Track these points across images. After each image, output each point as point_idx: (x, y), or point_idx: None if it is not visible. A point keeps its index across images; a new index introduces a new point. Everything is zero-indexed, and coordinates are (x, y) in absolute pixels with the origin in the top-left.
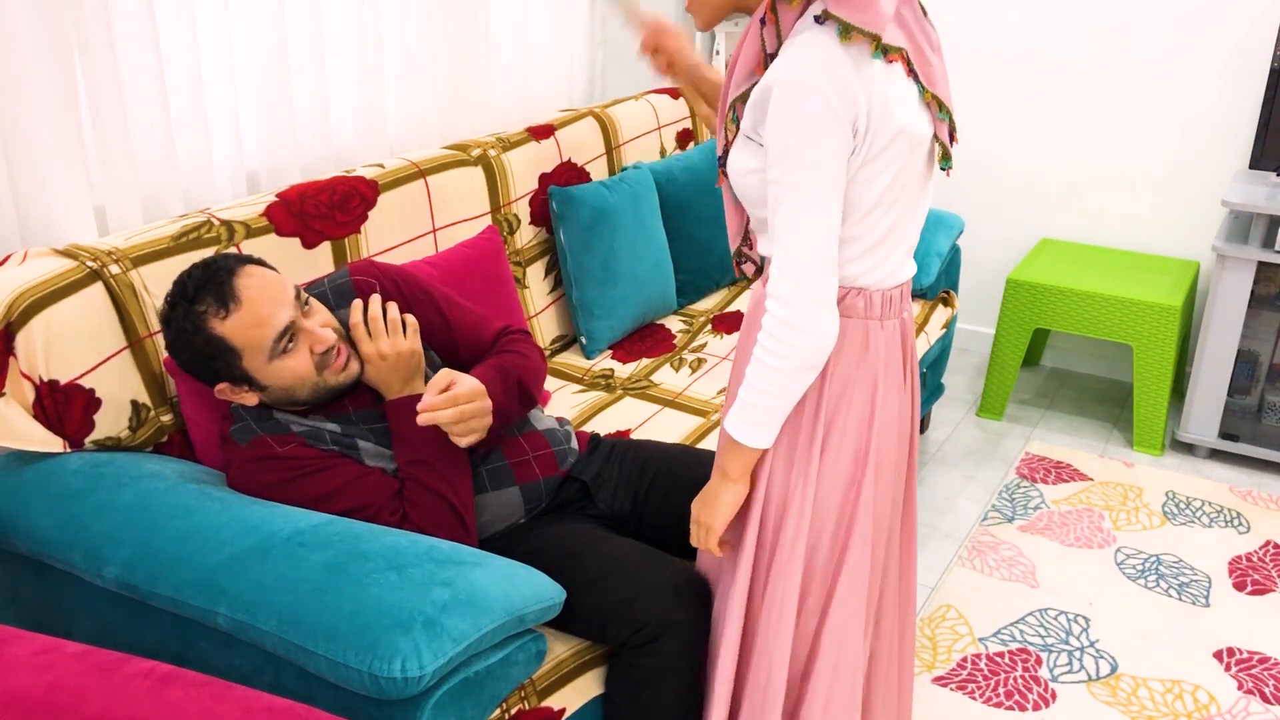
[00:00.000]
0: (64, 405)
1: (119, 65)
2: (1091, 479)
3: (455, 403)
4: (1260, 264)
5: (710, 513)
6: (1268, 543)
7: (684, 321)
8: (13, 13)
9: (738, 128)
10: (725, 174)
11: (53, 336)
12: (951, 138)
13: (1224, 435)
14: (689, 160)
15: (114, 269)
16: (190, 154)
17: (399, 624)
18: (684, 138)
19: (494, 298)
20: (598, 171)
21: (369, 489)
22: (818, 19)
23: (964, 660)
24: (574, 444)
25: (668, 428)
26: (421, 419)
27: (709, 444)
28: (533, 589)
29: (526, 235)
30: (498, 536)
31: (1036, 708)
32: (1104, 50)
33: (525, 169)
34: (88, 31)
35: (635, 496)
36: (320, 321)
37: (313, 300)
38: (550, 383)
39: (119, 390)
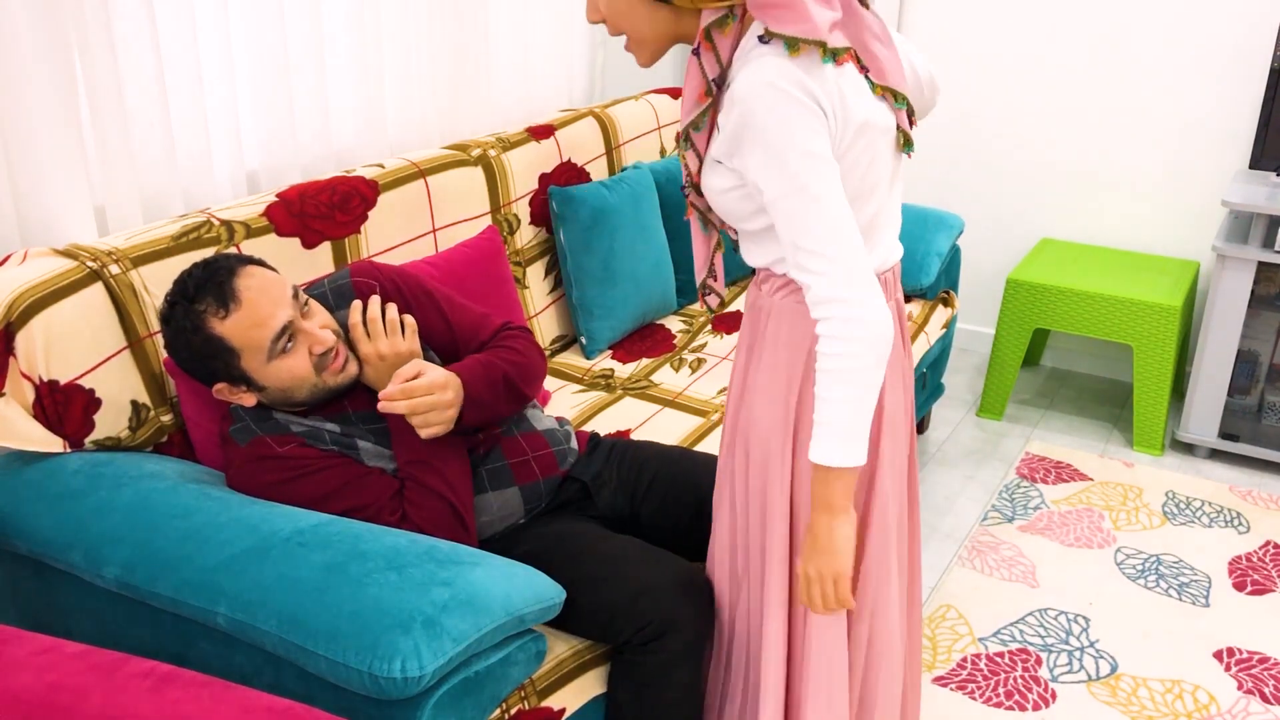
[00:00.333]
0: (64, 405)
1: (119, 65)
2: (1091, 479)
3: (409, 394)
4: (1260, 264)
5: (832, 559)
6: (1268, 543)
7: (684, 321)
8: (13, 13)
9: (698, 158)
10: (693, 205)
11: (53, 336)
12: (911, 122)
13: (1224, 435)
14: None
15: (114, 269)
16: (190, 154)
17: (399, 624)
18: None
19: (494, 298)
20: (598, 171)
21: (368, 489)
22: (762, 39)
23: (964, 660)
24: (574, 444)
25: (668, 428)
26: (380, 407)
27: (709, 444)
28: (532, 589)
29: (526, 235)
30: (498, 536)
31: (1036, 708)
32: (1104, 51)
33: (525, 169)
34: (88, 31)
35: (634, 497)
36: (319, 323)
37: (311, 301)
38: (550, 383)
39: (119, 390)
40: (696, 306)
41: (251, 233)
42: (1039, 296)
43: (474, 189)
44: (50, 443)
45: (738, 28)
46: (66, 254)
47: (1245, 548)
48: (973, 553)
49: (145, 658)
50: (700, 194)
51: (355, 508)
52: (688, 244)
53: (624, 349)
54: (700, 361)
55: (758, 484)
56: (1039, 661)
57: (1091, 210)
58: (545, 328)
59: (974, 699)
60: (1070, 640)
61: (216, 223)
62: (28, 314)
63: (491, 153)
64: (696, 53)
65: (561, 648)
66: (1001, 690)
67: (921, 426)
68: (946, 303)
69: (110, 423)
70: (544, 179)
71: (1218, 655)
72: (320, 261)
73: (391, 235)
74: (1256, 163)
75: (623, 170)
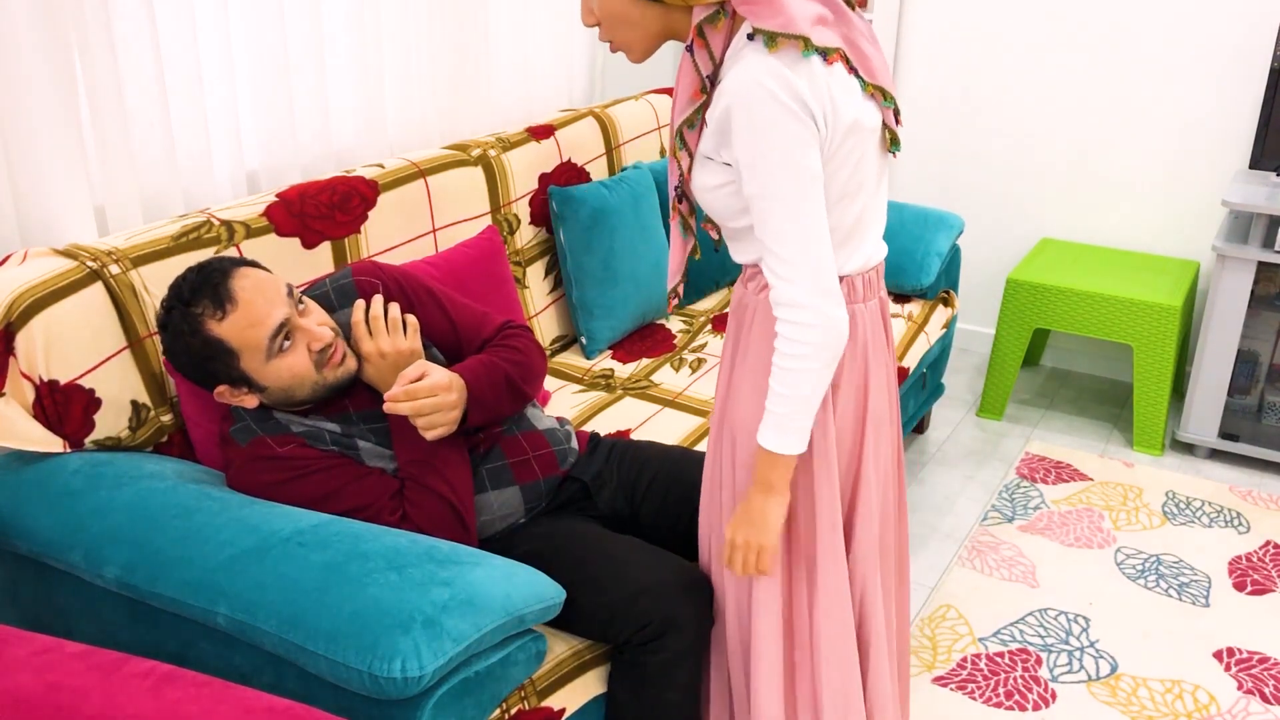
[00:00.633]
0: (64, 405)
1: (119, 65)
2: (1091, 479)
3: (412, 395)
4: (1260, 264)
5: (760, 531)
6: (1268, 543)
7: (684, 321)
8: (13, 13)
9: (689, 156)
10: (679, 209)
11: (53, 336)
12: (897, 121)
13: (1224, 435)
14: None
15: (114, 269)
16: (190, 154)
17: (399, 624)
18: None
19: (494, 298)
20: (598, 171)
21: (369, 489)
22: (750, 36)
23: (964, 660)
24: (574, 444)
25: (668, 428)
26: (386, 408)
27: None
28: (532, 589)
29: (526, 235)
30: (498, 536)
31: (1036, 708)
32: (1104, 51)
33: (525, 169)
34: (88, 31)
35: (634, 497)
36: (316, 320)
37: (307, 299)
38: (550, 383)
39: (119, 390)
40: (697, 306)
41: (251, 233)
42: (1039, 296)
43: (474, 189)
44: (50, 443)
45: (729, 24)
46: (66, 254)
47: (1245, 548)
48: (973, 553)
49: (145, 658)
50: (683, 198)
51: (355, 508)
52: None
53: (624, 349)
54: (700, 361)
55: (744, 477)
56: (1039, 661)
57: (1091, 210)
58: (545, 328)
59: (974, 699)
60: (1070, 640)
61: (216, 223)
62: (28, 314)
63: (491, 153)
64: (690, 50)
65: (561, 648)
66: (1001, 690)
67: (921, 426)
68: (946, 303)
69: (110, 423)
70: (544, 179)
71: (1218, 655)
72: (320, 261)
73: (391, 235)
74: (1256, 163)
75: (623, 170)
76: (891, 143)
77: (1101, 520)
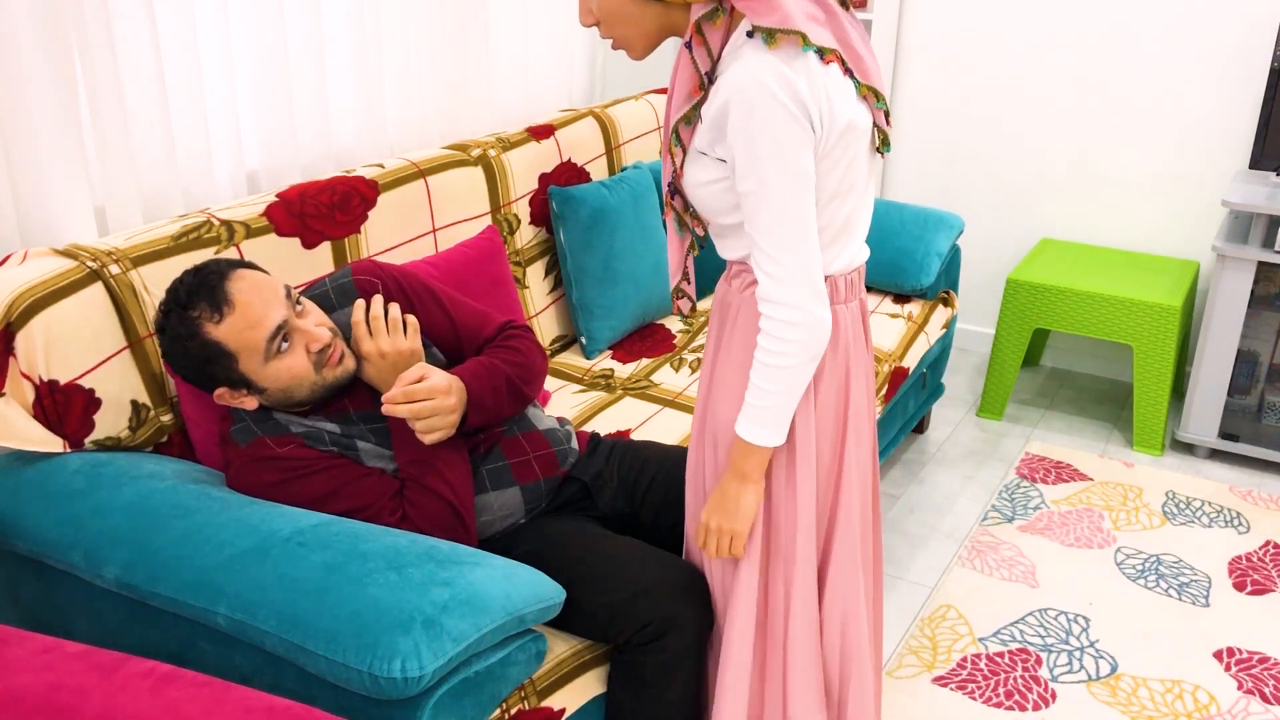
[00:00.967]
0: (64, 405)
1: (119, 65)
2: (1091, 479)
3: (410, 397)
4: (1260, 264)
5: (733, 517)
6: (1268, 543)
7: (684, 321)
8: (13, 13)
9: (684, 151)
10: (672, 205)
11: (53, 336)
12: (887, 122)
13: (1224, 435)
14: None
15: (114, 269)
16: (190, 154)
17: (399, 624)
18: None
19: (494, 298)
20: (598, 171)
21: (368, 489)
22: (749, 34)
23: (964, 660)
24: (574, 444)
25: (668, 428)
26: (384, 410)
27: None
28: (532, 589)
29: (526, 235)
30: (498, 536)
31: (1036, 708)
32: (1104, 51)
33: (525, 169)
34: (88, 31)
35: (635, 497)
36: (314, 320)
37: (305, 300)
38: (550, 383)
39: (119, 390)
40: (696, 306)
41: (251, 233)
42: (1039, 296)
43: (474, 189)
44: (50, 443)
45: (727, 21)
46: (66, 254)
47: (1245, 548)
48: (973, 553)
49: (145, 658)
50: (676, 194)
51: (355, 508)
52: None
53: (624, 349)
54: (700, 362)
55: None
56: (1039, 661)
57: (1091, 210)
58: (545, 328)
59: (974, 699)
60: (1070, 640)
61: (216, 223)
62: (28, 314)
63: (491, 153)
64: (688, 46)
65: (561, 648)
66: (1001, 690)
67: (921, 426)
68: (946, 303)
69: (110, 423)
70: (544, 179)
71: (1218, 655)
72: (320, 261)
73: (391, 235)
74: (1256, 163)
75: (623, 170)
76: (882, 143)
77: (1101, 520)
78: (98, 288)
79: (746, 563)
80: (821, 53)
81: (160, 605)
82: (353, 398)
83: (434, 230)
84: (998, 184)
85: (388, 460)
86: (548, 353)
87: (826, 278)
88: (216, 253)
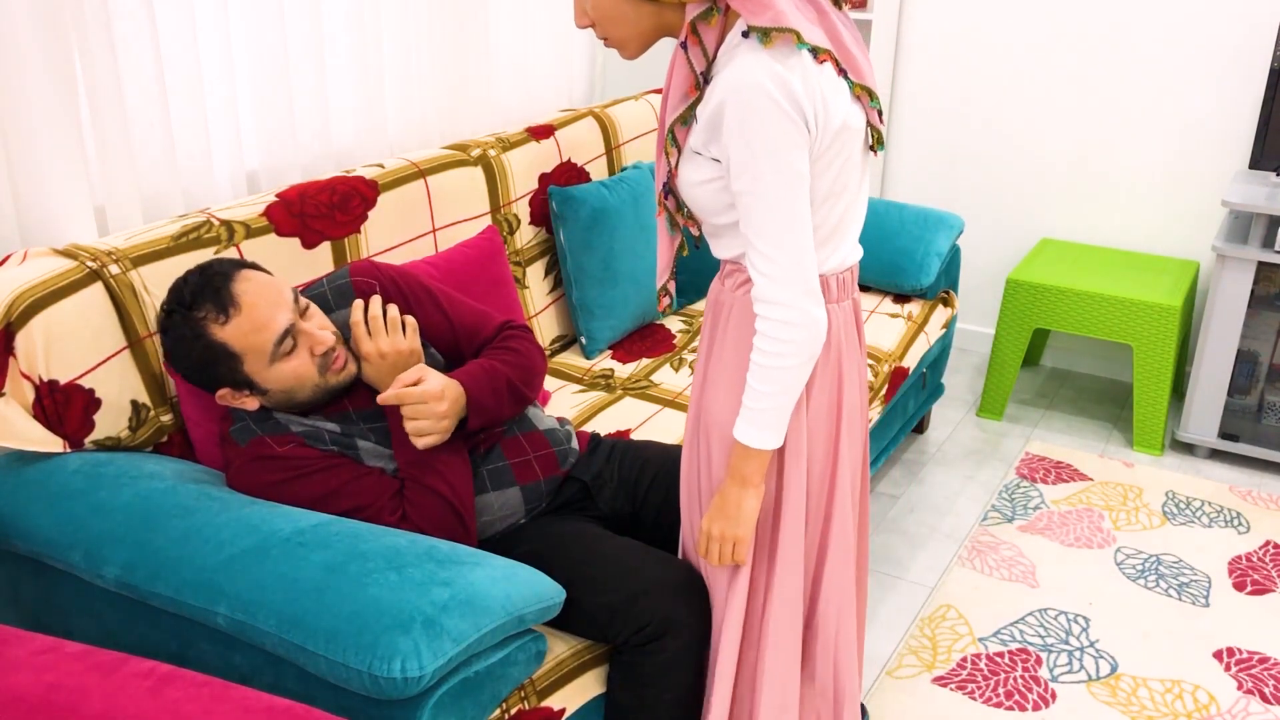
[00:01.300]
0: (64, 405)
1: (119, 65)
2: (1091, 479)
3: (401, 400)
4: (1260, 264)
5: (735, 523)
6: (1268, 543)
7: (684, 321)
8: (13, 13)
9: (679, 151)
10: (664, 205)
11: (53, 336)
12: (880, 119)
13: (1224, 435)
14: None
15: (114, 269)
16: (190, 154)
17: (398, 624)
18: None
19: (494, 298)
20: (597, 171)
21: (368, 489)
22: (744, 33)
23: (964, 660)
24: (574, 444)
25: (668, 428)
26: (380, 400)
27: None
28: (532, 589)
29: (526, 235)
30: (498, 536)
31: (1036, 708)
32: (1104, 51)
33: (525, 169)
34: (88, 31)
35: (635, 497)
36: (318, 324)
37: (310, 303)
38: (550, 383)
39: (119, 390)
40: (697, 306)
41: (251, 233)
42: (1039, 296)
43: (474, 189)
44: (50, 443)
45: (722, 21)
46: (66, 254)
47: (1245, 548)
48: (973, 553)
49: (145, 658)
50: (669, 194)
51: (355, 508)
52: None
53: (624, 349)
54: None
55: (720, 470)
56: (1039, 661)
57: (1091, 210)
58: (545, 328)
59: (974, 699)
60: (1070, 640)
61: (216, 223)
62: (28, 314)
63: (491, 153)
64: (684, 47)
65: (561, 648)
66: (1001, 690)
67: (921, 426)
68: (946, 303)
69: (110, 423)
70: (544, 179)
71: (1218, 655)
72: (320, 261)
73: (391, 235)
74: (1256, 163)
75: (622, 170)
76: (876, 142)
77: (1101, 520)
78: (98, 288)
79: (739, 568)
80: (815, 52)
81: (160, 605)
82: (352, 397)
83: (434, 230)
84: (998, 184)
85: (388, 460)
86: (548, 352)
87: (819, 277)
88: (216, 253)
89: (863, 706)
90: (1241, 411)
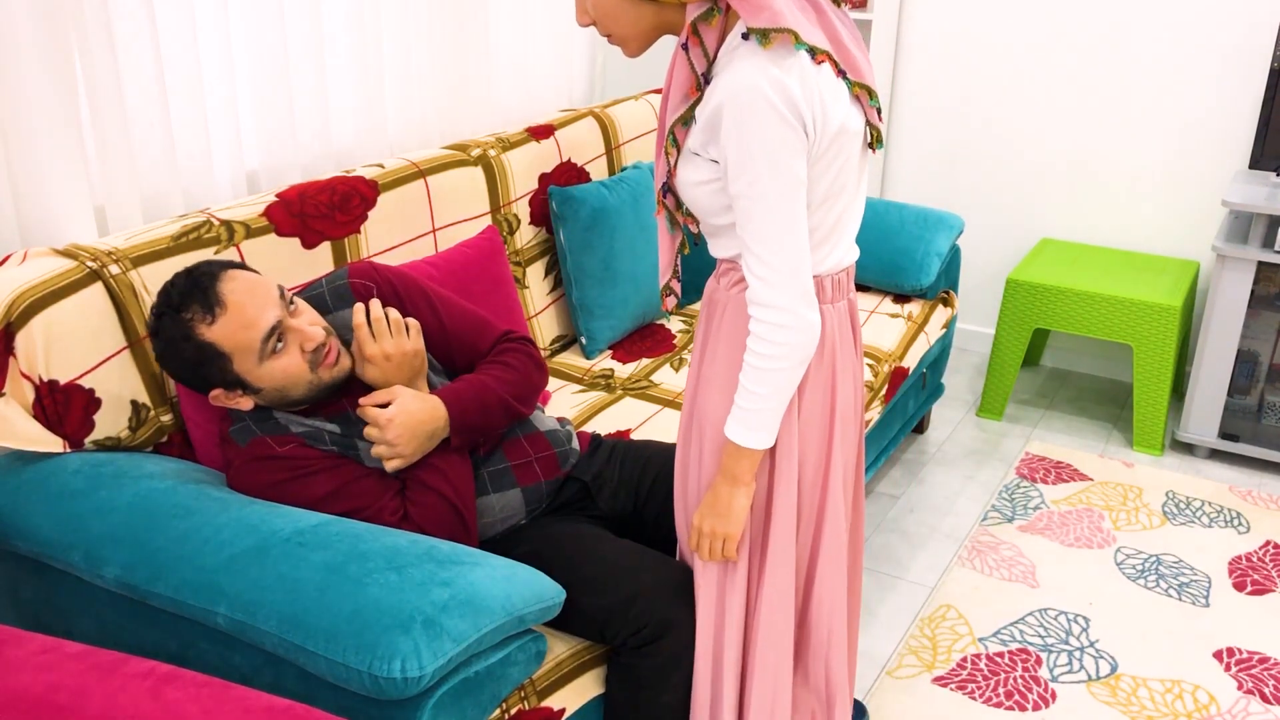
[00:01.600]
0: (64, 405)
1: (119, 65)
2: (1091, 479)
3: (363, 417)
4: (1260, 264)
5: (725, 520)
6: (1268, 543)
7: (684, 321)
8: (13, 13)
9: (678, 151)
10: (664, 203)
11: (53, 336)
12: (879, 117)
13: (1224, 435)
14: None
15: (114, 269)
16: (190, 154)
17: (399, 624)
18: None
19: (494, 298)
20: (598, 171)
21: (368, 490)
22: (744, 35)
23: (964, 660)
24: (575, 445)
25: (668, 428)
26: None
27: None
28: (532, 589)
29: (526, 235)
30: (498, 537)
31: (1036, 708)
32: (1104, 51)
33: (525, 169)
34: (88, 31)
35: (636, 497)
36: (308, 320)
37: (298, 300)
38: (550, 383)
39: (119, 390)
40: (697, 306)
41: (251, 233)
42: (1039, 296)
43: (474, 189)
44: (50, 443)
45: (723, 21)
46: (66, 254)
47: (1245, 548)
48: (973, 553)
49: (145, 658)
50: (669, 193)
51: (355, 509)
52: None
53: (624, 349)
54: None
55: (711, 467)
56: (1039, 661)
57: (1091, 210)
58: (545, 328)
59: (974, 699)
60: (1070, 640)
61: (216, 223)
62: (28, 314)
63: (491, 153)
64: (685, 47)
65: (561, 648)
66: (1001, 690)
67: (921, 426)
68: (946, 303)
69: (110, 423)
70: (544, 179)
71: (1218, 655)
72: (320, 261)
73: (391, 235)
74: (1256, 163)
75: (623, 170)
76: (875, 140)
77: (1101, 520)
78: (98, 288)
79: (731, 567)
80: (813, 52)
81: (160, 605)
82: (352, 398)
83: (434, 230)
84: (998, 184)
85: None
86: (547, 353)
87: (814, 278)
88: (216, 253)
89: (863, 706)
90: (1241, 411)
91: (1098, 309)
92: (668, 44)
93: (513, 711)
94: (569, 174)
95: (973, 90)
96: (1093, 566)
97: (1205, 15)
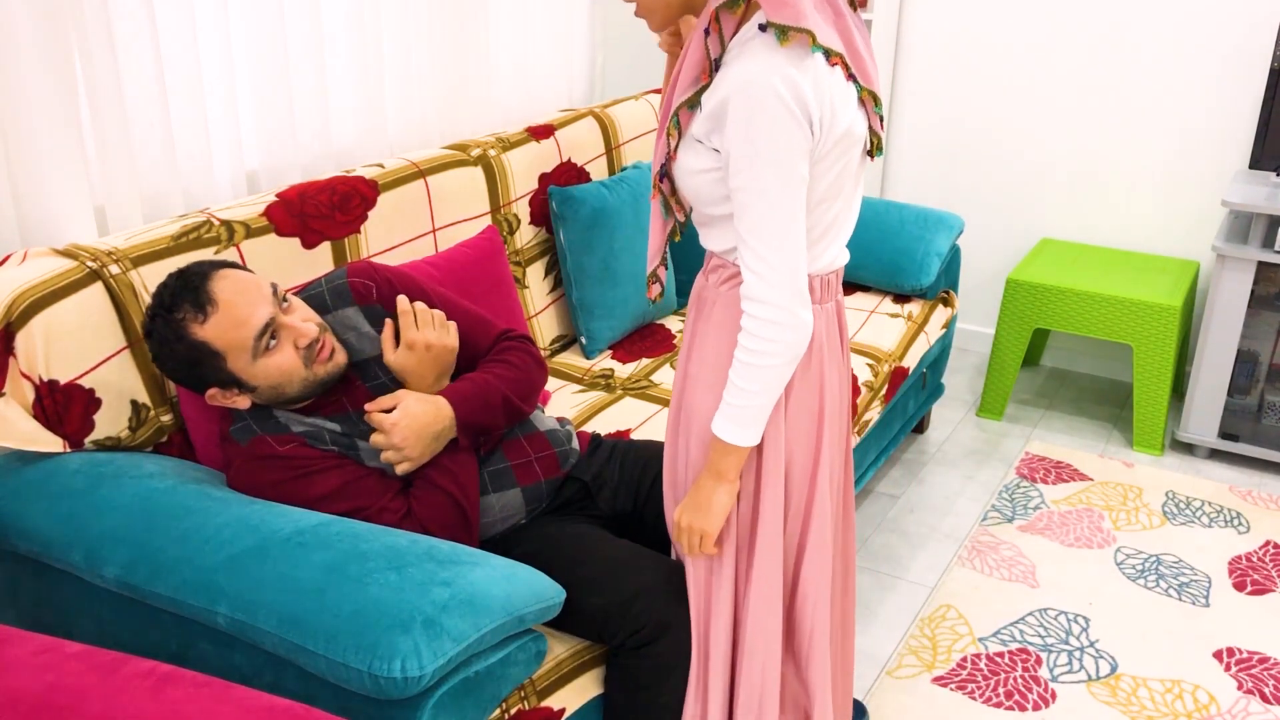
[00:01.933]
0: (64, 405)
1: (119, 65)
2: (1091, 479)
3: (369, 421)
4: (1260, 264)
5: (705, 516)
6: (1268, 543)
7: (683, 321)
8: (13, 13)
9: (679, 134)
10: (660, 188)
11: (53, 336)
12: (881, 125)
13: (1224, 435)
14: None
15: (114, 269)
16: (190, 154)
17: (399, 624)
18: None
19: (494, 298)
20: (597, 171)
21: (369, 489)
22: (762, 27)
23: (964, 660)
24: (575, 444)
25: None
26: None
27: None
28: (532, 589)
29: (526, 235)
30: (498, 537)
31: (1036, 708)
32: (1104, 51)
33: (525, 169)
34: (88, 31)
35: (636, 497)
36: (301, 316)
37: (292, 297)
38: (550, 383)
39: (119, 390)
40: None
41: (251, 233)
42: (1039, 296)
43: (474, 189)
44: (50, 443)
45: (744, 11)
46: (66, 254)
47: (1245, 548)
48: (973, 553)
49: (145, 658)
50: (665, 177)
51: (356, 508)
52: (687, 244)
53: (624, 349)
54: None
55: (698, 463)
56: (1039, 661)
57: (1091, 210)
58: (545, 328)
59: (974, 699)
60: (1070, 640)
61: (216, 223)
62: (28, 314)
63: (491, 153)
64: (706, 31)
65: (561, 648)
66: (1001, 690)
67: (921, 426)
68: (946, 303)
69: (110, 423)
70: (544, 179)
71: (1218, 655)
72: (320, 261)
73: (391, 235)
74: (1256, 163)
75: (623, 170)
76: (875, 147)
77: (1101, 520)
78: (98, 288)
79: (718, 563)
80: (828, 54)
81: (160, 605)
82: (352, 397)
83: (434, 230)
84: (998, 184)
85: None
86: (547, 353)
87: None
88: (216, 253)
89: (863, 706)
90: (1241, 411)
91: (1098, 309)
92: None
93: (513, 711)
94: (569, 174)
95: (973, 90)
96: (1093, 566)
97: (1205, 15)
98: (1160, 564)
